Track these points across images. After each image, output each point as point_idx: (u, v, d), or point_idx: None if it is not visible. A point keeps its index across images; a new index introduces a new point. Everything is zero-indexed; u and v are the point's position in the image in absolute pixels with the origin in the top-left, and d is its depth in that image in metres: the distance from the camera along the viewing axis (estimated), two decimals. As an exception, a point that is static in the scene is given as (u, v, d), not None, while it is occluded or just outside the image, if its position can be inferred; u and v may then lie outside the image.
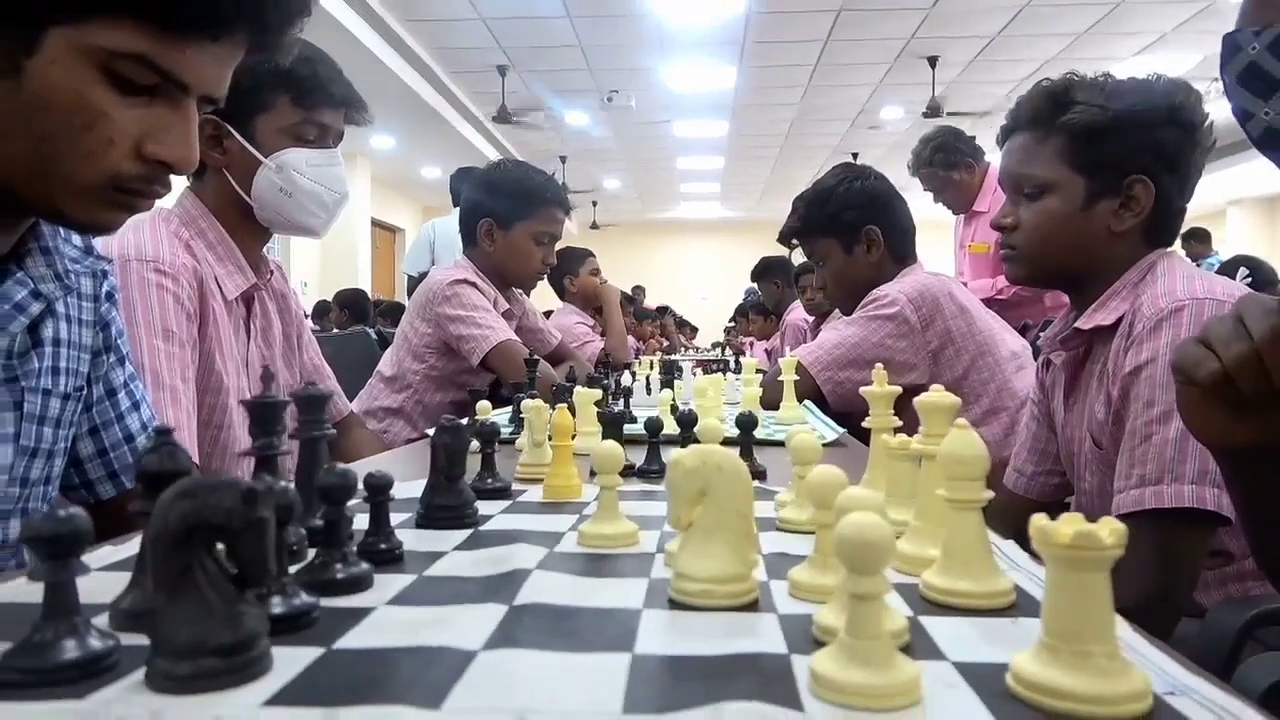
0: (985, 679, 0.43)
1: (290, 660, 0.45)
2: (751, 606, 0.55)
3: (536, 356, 1.92)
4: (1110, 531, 0.39)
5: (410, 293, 4.99)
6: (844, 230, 2.16)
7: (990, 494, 0.55)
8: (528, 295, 2.68)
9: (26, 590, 0.57)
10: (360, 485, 0.62)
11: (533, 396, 1.38)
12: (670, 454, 1.06)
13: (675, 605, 0.55)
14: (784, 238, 2.36)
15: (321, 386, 0.71)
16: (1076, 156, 1.29)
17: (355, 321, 6.56)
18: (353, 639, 0.49)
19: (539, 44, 7.55)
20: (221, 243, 1.50)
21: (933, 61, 7.96)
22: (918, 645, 0.48)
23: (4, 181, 0.81)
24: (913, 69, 8.14)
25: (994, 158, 3.99)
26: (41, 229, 0.93)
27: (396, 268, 13.78)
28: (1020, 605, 0.55)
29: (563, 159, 11.41)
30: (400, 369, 2.37)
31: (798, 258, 3.95)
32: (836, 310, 2.66)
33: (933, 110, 8.11)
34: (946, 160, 3.59)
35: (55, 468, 0.99)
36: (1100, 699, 0.39)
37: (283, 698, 0.41)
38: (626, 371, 2.39)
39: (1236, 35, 0.67)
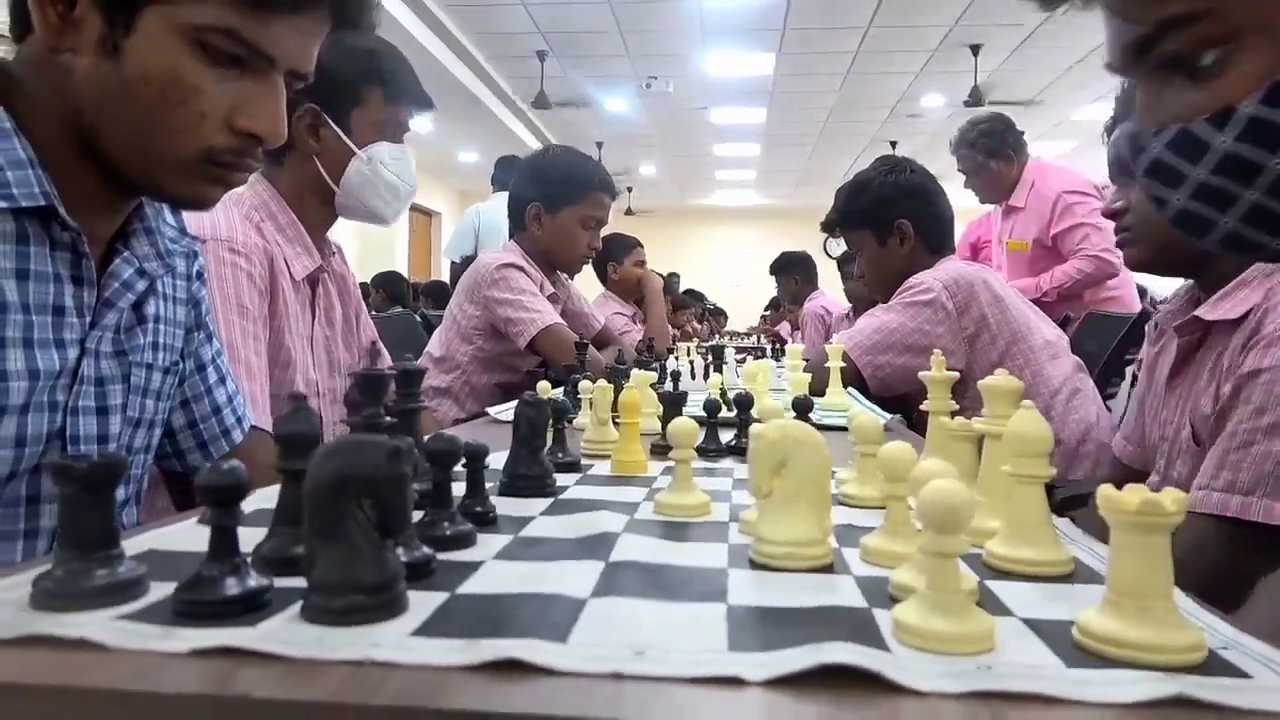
0: (1052, 632, 0.48)
1: (422, 602, 0.51)
2: (827, 569, 0.60)
3: (585, 340, 1.98)
4: (1173, 500, 0.44)
5: (453, 278, 5.08)
6: (877, 223, 2.22)
7: (1053, 470, 0.59)
8: (573, 279, 2.74)
9: (183, 540, 0.64)
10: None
11: (585, 378, 1.44)
12: (727, 434, 1.11)
13: (757, 566, 0.60)
14: (826, 226, 2.43)
15: (416, 362, 0.77)
16: None
17: (392, 303, 6.72)
18: (472, 586, 0.55)
19: (578, 29, 7.58)
20: (291, 225, 1.57)
21: (975, 49, 7.88)
22: (986, 605, 0.53)
23: (111, 160, 0.87)
24: (955, 57, 8.07)
25: (1030, 147, 3.92)
26: (145, 210, 0.99)
27: (433, 251, 13.89)
28: (1079, 574, 0.60)
29: (599, 145, 11.44)
30: (449, 350, 2.44)
31: (833, 247, 3.98)
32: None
33: (975, 99, 8.04)
34: (989, 147, 3.57)
35: (154, 438, 1.06)
36: (1160, 648, 0.43)
37: (427, 630, 0.46)
38: (670, 357, 2.44)
39: (1136, 137, 0.73)
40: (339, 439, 0.49)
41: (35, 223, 0.85)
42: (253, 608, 0.49)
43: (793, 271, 5.49)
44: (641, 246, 3.85)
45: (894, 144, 11.18)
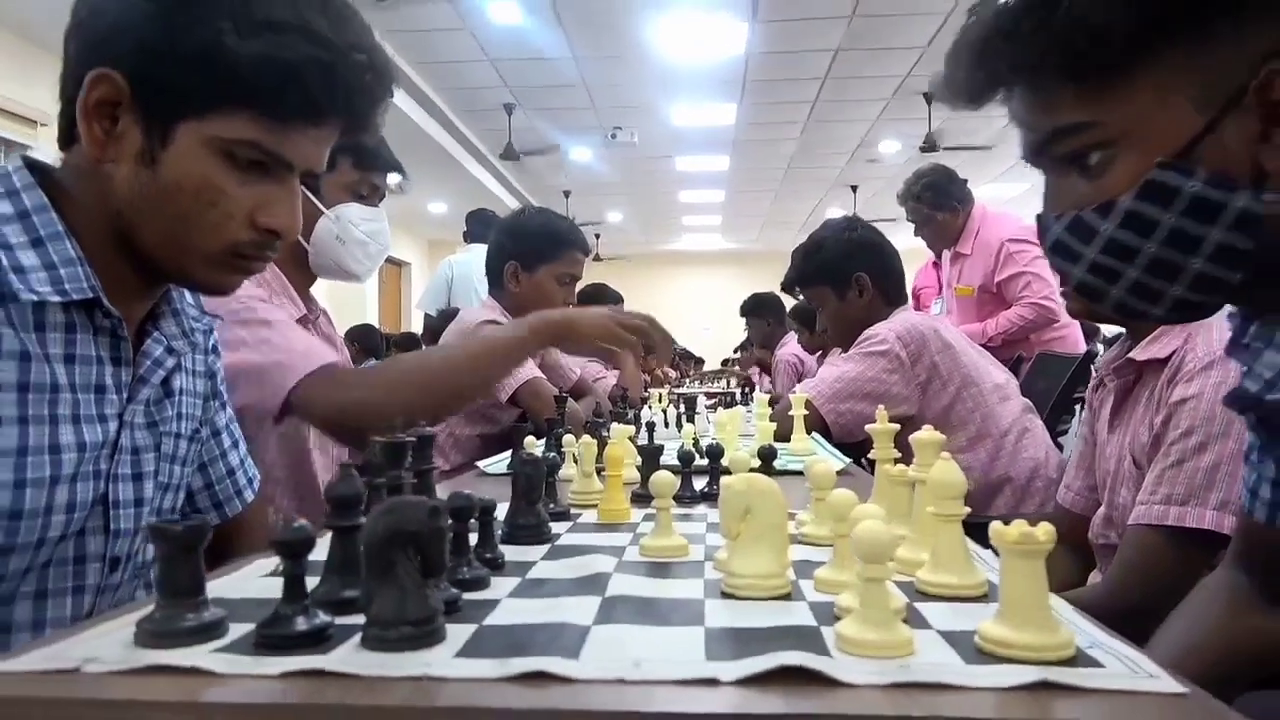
0: (960, 640, 0.60)
1: (456, 633, 0.62)
2: (786, 597, 0.72)
3: (565, 394, 2.10)
4: (1044, 531, 0.57)
5: (426, 330, 5.18)
6: (835, 278, 2.38)
7: (967, 510, 0.72)
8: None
9: (241, 589, 0.75)
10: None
11: (566, 432, 1.57)
12: (700, 482, 1.24)
13: (727, 596, 0.72)
14: (786, 285, 2.60)
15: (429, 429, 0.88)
16: None
17: (366, 355, 6.81)
18: (495, 619, 0.66)
19: (545, 83, 7.81)
20: (275, 279, 1.69)
21: (929, 97, 8.21)
22: (912, 619, 0.65)
23: (146, 254, 0.99)
24: (910, 105, 8.39)
25: (985, 189, 4.19)
26: (171, 293, 1.11)
27: (403, 301, 13.97)
28: (990, 594, 0.72)
29: (566, 194, 11.65)
30: (433, 404, 2.55)
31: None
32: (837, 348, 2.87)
33: (930, 145, 8.36)
34: (934, 200, 3.76)
35: (179, 500, 1.16)
36: (1038, 648, 0.56)
37: (466, 653, 0.58)
38: (645, 406, 2.56)
39: (1042, 218, 0.87)
40: (389, 501, 0.61)
41: (82, 313, 0.97)
42: (321, 640, 0.60)
43: (764, 314, 5.60)
44: (623, 302, 4.02)
45: (854, 188, 11.50)
